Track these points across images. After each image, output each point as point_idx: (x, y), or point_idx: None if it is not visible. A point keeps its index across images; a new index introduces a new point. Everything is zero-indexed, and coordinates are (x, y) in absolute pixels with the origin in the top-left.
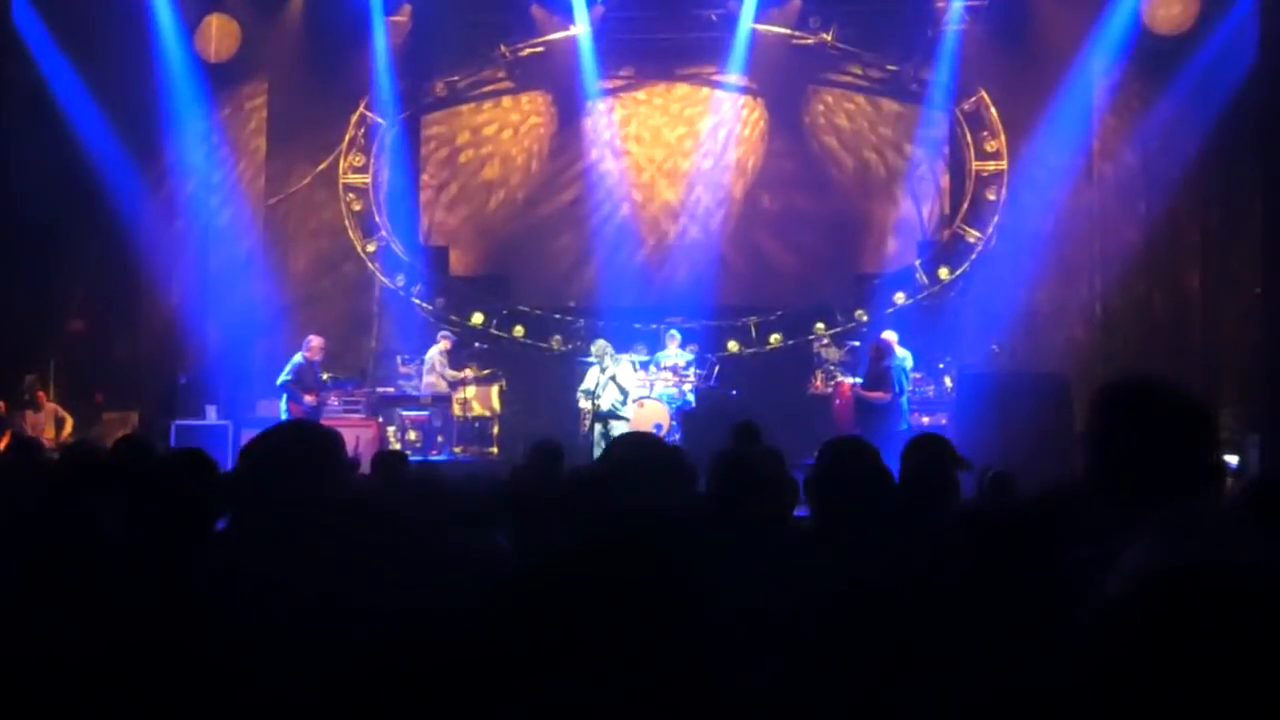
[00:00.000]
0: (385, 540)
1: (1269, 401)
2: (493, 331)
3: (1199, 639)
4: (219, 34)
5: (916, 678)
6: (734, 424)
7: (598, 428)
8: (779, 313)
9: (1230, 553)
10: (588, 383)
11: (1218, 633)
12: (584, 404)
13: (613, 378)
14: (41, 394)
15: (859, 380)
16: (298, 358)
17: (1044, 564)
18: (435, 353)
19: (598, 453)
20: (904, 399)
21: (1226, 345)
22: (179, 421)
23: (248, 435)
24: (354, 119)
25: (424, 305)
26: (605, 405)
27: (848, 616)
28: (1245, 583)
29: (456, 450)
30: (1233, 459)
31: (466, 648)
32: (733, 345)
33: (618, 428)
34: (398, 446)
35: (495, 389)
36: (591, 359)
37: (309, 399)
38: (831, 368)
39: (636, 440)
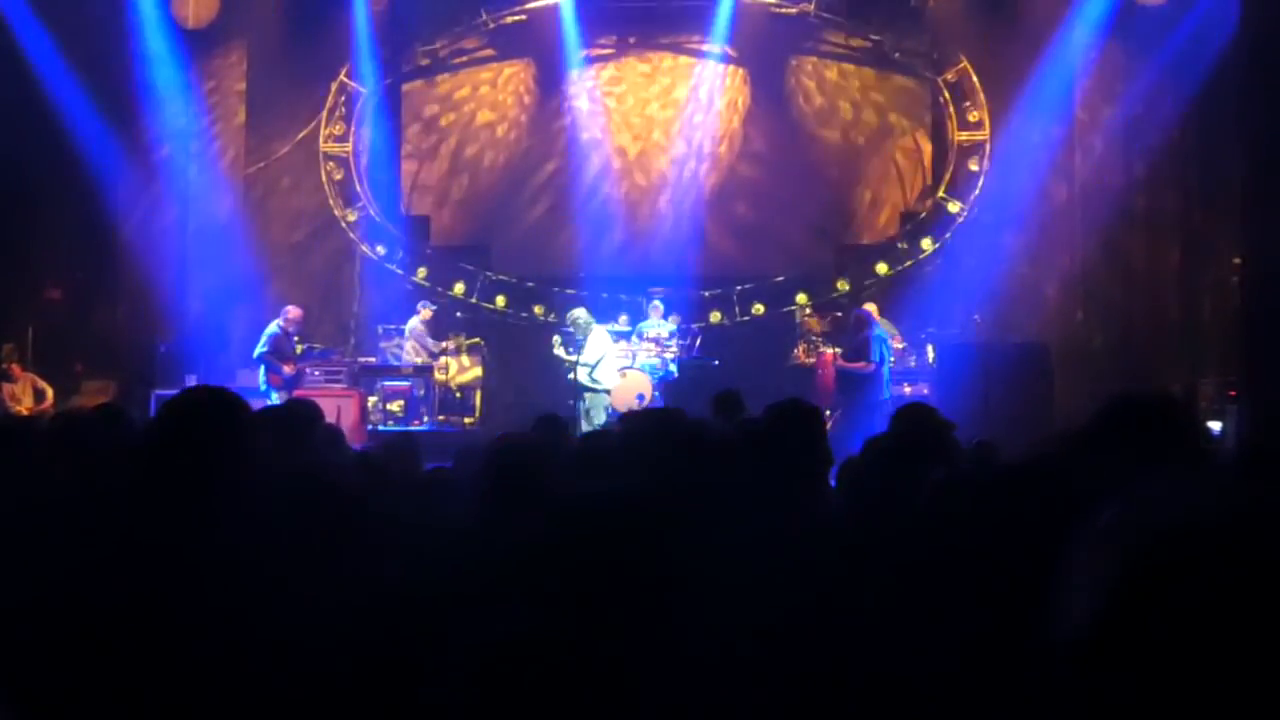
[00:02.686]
0: (358, 517)
1: (1248, 370)
2: (474, 301)
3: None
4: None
5: (911, 650)
6: (715, 394)
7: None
8: (761, 283)
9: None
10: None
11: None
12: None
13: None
14: (16, 365)
15: (840, 350)
16: (273, 327)
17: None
18: (416, 322)
19: (584, 425)
20: (885, 369)
21: (1206, 314)
22: (159, 391)
23: None
24: (334, 87)
25: (405, 274)
26: (581, 378)
27: (842, 582)
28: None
29: (440, 419)
30: (1215, 425)
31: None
32: (715, 315)
33: (593, 400)
34: (379, 418)
35: (476, 359)
36: (570, 328)
37: (287, 369)
38: (814, 338)
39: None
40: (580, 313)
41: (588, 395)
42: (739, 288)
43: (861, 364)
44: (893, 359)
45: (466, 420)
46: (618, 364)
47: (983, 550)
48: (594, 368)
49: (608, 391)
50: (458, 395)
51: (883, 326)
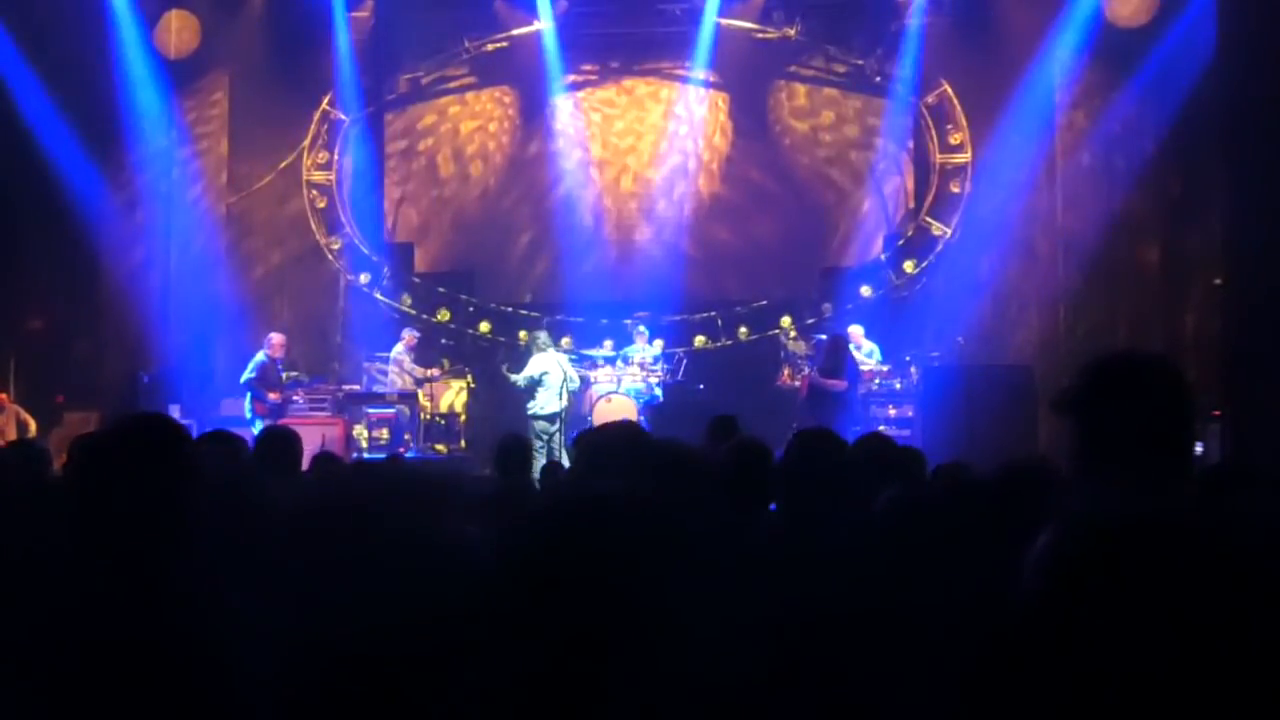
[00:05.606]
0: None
1: (1229, 391)
2: (459, 328)
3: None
4: (179, 29)
5: (886, 672)
6: (711, 420)
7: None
8: (746, 307)
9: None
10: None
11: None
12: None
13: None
14: (5, 396)
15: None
16: (260, 356)
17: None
18: (400, 349)
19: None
20: (856, 394)
21: (1187, 336)
22: None
23: None
24: (317, 115)
25: (389, 302)
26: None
27: (816, 613)
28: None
29: (429, 447)
30: (1198, 445)
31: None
32: (700, 340)
33: (535, 427)
34: (365, 445)
35: (461, 385)
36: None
37: (273, 396)
38: (799, 361)
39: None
40: (539, 334)
41: (532, 423)
42: (723, 311)
43: (837, 381)
44: (876, 384)
45: (438, 447)
46: (557, 390)
47: (939, 559)
48: (528, 390)
49: (548, 418)
50: (440, 422)
51: (866, 348)
